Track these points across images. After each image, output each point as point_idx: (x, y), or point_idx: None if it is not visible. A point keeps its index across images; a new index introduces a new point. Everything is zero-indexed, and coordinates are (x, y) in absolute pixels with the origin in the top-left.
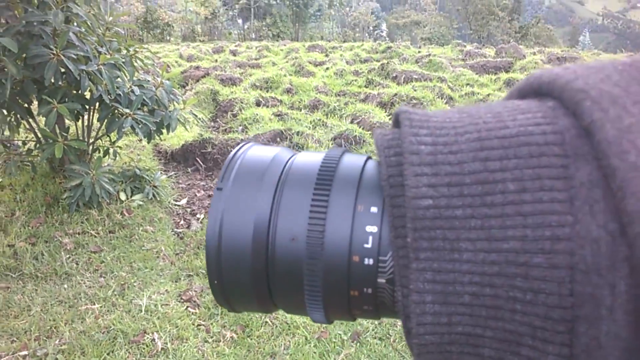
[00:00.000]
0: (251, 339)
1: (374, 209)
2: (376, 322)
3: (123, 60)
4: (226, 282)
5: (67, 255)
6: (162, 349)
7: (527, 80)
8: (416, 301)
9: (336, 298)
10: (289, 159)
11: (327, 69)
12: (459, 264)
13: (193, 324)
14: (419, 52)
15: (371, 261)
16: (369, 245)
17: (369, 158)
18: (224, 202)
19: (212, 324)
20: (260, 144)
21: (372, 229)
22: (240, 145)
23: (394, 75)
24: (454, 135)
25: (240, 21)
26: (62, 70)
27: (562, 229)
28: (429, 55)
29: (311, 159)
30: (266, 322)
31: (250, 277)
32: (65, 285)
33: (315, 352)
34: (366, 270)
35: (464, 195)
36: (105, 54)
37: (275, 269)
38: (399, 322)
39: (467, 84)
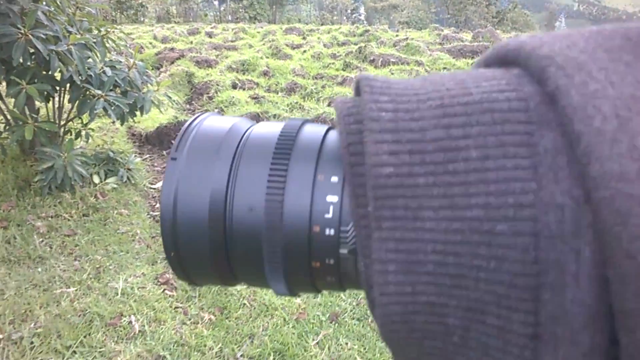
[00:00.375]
0: (229, 321)
1: (334, 179)
2: (354, 303)
3: (94, 40)
4: (184, 255)
5: (41, 239)
6: (139, 331)
7: (493, 50)
8: (379, 271)
9: (298, 269)
10: (247, 129)
11: (305, 51)
12: (422, 233)
13: (170, 307)
14: (397, 35)
15: (332, 231)
16: (329, 215)
17: (330, 128)
18: (178, 172)
19: (189, 306)
20: (218, 114)
21: (333, 198)
22: (197, 115)
23: (372, 58)
24: (416, 102)
25: (216, 3)
26: (31, 50)
27: (526, 195)
28: (407, 39)
29: (270, 129)
30: (244, 304)
31: (208, 249)
32: (39, 269)
33: (294, 333)
34: (327, 240)
35: (426, 163)
36: (76, 34)
37: (233, 240)
38: None
39: (445, 68)
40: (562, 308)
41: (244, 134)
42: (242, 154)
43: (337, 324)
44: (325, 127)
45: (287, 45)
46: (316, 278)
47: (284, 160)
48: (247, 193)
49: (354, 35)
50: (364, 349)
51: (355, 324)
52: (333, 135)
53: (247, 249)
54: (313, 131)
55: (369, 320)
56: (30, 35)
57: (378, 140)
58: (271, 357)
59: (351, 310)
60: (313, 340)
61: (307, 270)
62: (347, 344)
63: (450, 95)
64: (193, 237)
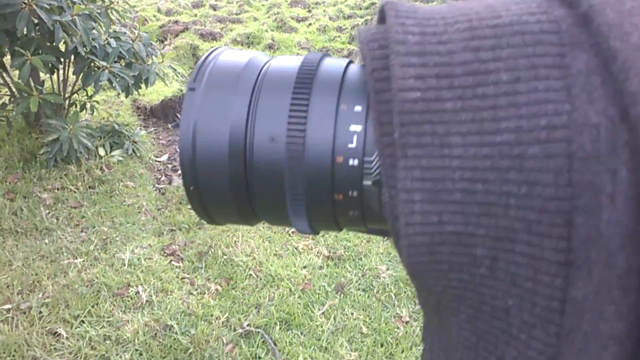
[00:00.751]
0: (236, 291)
1: (358, 108)
2: (359, 274)
3: (98, 11)
4: (203, 189)
5: (47, 211)
6: (146, 301)
7: None
8: (404, 200)
9: (320, 203)
10: (265, 63)
11: (310, 24)
12: (449, 160)
13: (177, 277)
14: None
15: (356, 162)
16: (353, 145)
17: (350, 62)
18: (197, 104)
19: (196, 276)
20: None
21: (357, 128)
22: (212, 49)
23: None
24: (443, 25)
25: None
26: (35, 20)
27: (559, 117)
28: None
29: (289, 62)
30: (250, 274)
31: (228, 182)
32: (47, 241)
33: (300, 303)
34: (351, 171)
35: (454, 87)
36: (80, 4)
37: (254, 173)
38: (383, 274)
39: None
40: (597, 231)
41: (263, 67)
42: (262, 86)
43: (342, 295)
44: (346, 60)
45: (292, 18)
46: (338, 212)
47: (306, 91)
48: (268, 124)
49: (360, 9)
50: (369, 318)
51: (360, 295)
52: (354, 67)
53: (268, 181)
54: (334, 63)
55: (374, 290)
56: (34, 5)
57: (404, 63)
58: (277, 327)
59: (357, 281)
60: (319, 310)
61: (330, 204)
62: (352, 314)
63: (479, 18)
64: (213, 170)
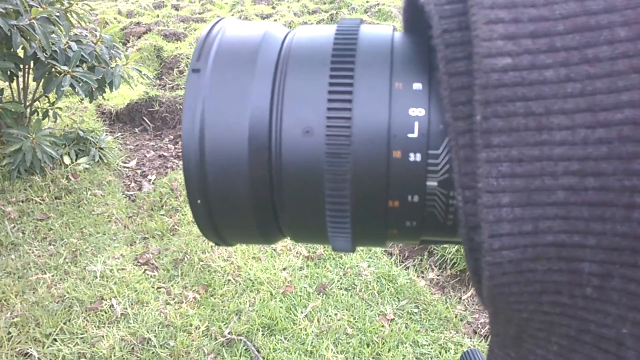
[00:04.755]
0: (214, 298)
1: (417, 86)
2: (341, 273)
3: (57, 14)
4: (215, 200)
5: (12, 225)
6: (122, 314)
7: None
8: (488, 204)
9: (369, 213)
10: (287, 35)
11: (275, 21)
12: (550, 148)
13: (153, 287)
14: (367, 1)
15: (418, 157)
16: (414, 135)
17: (394, 29)
18: (204, 89)
19: (172, 285)
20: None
21: (418, 111)
22: (215, 20)
23: None
24: None
25: None
26: None
27: None
28: (378, 4)
29: (319, 32)
30: (229, 280)
31: (248, 190)
32: (13, 256)
33: (281, 307)
34: (412, 169)
35: (556, 50)
36: (38, 7)
37: (283, 176)
38: (364, 272)
39: None
40: None
41: (285, 40)
42: (288, 63)
43: (325, 295)
44: (390, 26)
45: (257, 15)
46: (391, 223)
47: (348, 65)
48: (300, 111)
49: (324, 3)
50: (354, 318)
51: (343, 294)
52: (401, 36)
53: (301, 186)
54: (376, 31)
55: (357, 289)
56: None
57: (490, 19)
58: (260, 333)
59: (338, 281)
60: (301, 313)
61: (382, 213)
62: (336, 314)
63: None
64: (228, 174)
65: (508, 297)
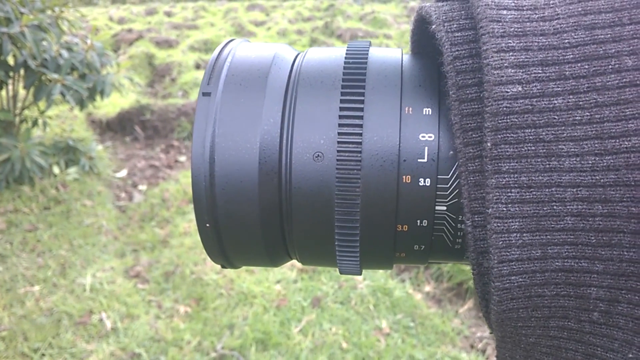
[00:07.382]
0: (207, 312)
1: (427, 110)
2: (336, 287)
3: (48, 21)
4: (224, 223)
5: (0, 236)
6: (111, 328)
7: None
8: (498, 230)
9: (378, 237)
10: (296, 56)
11: (269, 28)
12: (559, 175)
13: (143, 300)
14: (362, 9)
15: (428, 181)
16: (424, 160)
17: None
18: (215, 112)
19: (163, 299)
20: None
21: (428, 136)
22: (225, 42)
23: (339, 33)
24: None
25: None
26: None
27: None
28: (373, 12)
29: (329, 54)
30: (221, 293)
31: (258, 215)
32: (0, 268)
33: (275, 321)
34: (421, 194)
35: (565, 78)
36: (28, 14)
37: (292, 201)
38: (360, 285)
39: None
40: None
41: (294, 62)
42: (298, 86)
43: (319, 309)
44: (399, 50)
45: (250, 23)
46: (399, 247)
47: (359, 90)
48: (311, 135)
49: (319, 10)
50: (349, 333)
51: (338, 308)
52: (410, 59)
53: (310, 210)
54: (386, 54)
55: (352, 303)
56: None
57: (501, 47)
58: (253, 348)
59: (333, 294)
60: (295, 327)
61: (391, 238)
62: (331, 329)
63: None
64: (237, 199)
65: (516, 322)
